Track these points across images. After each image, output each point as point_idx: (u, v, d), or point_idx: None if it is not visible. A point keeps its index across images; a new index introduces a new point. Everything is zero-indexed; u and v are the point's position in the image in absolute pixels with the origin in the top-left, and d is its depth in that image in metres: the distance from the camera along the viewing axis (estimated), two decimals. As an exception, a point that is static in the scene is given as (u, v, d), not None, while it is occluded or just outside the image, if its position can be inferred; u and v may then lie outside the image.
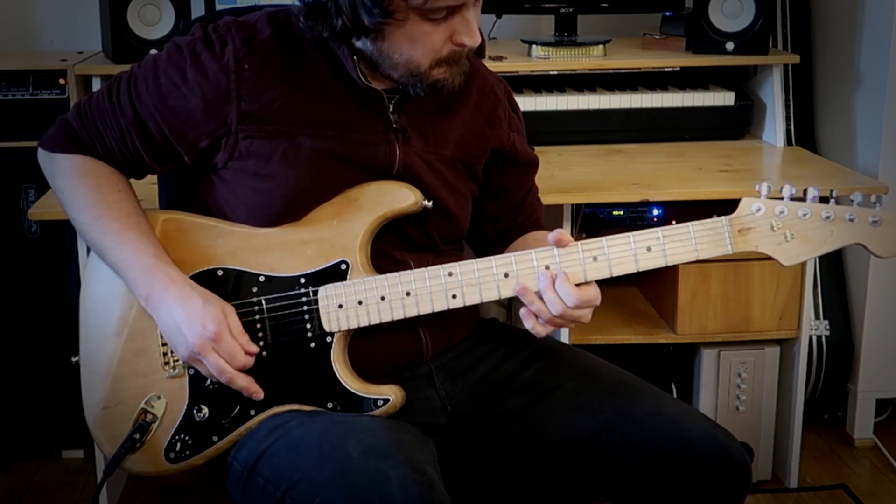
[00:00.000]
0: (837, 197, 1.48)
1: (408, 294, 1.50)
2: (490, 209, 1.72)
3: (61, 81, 2.51)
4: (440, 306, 1.50)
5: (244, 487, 1.49)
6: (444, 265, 1.51)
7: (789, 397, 2.50)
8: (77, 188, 1.57)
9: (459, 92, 1.63)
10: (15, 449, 2.69)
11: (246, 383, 1.50)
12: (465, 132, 1.64)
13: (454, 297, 1.50)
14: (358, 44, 1.52)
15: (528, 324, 1.50)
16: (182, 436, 1.54)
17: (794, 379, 2.48)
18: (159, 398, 1.55)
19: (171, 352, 1.54)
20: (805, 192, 1.48)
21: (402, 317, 1.51)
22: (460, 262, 1.51)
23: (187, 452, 1.54)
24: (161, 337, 1.54)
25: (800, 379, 2.47)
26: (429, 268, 1.51)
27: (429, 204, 1.56)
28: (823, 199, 1.49)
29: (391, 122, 1.57)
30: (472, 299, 1.50)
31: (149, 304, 1.52)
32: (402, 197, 1.54)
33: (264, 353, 1.53)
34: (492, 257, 1.50)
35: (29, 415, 2.63)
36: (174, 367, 1.55)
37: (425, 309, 1.50)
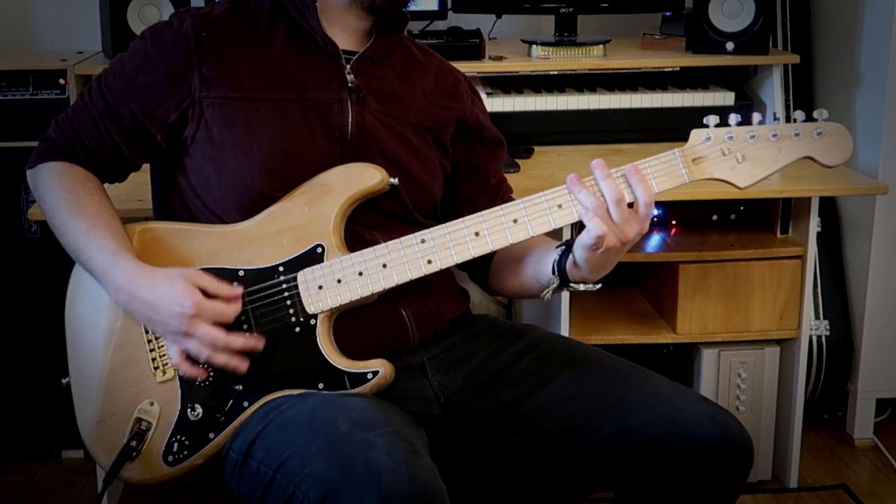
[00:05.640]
0: (780, 119, 1.52)
1: (384, 266, 1.53)
2: (463, 191, 1.75)
3: (61, 81, 2.52)
4: (416, 273, 1.53)
5: (239, 474, 1.50)
6: (416, 234, 1.53)
7: (789, 397, 2.50)
8: (52, 191, 1.61)
9: (419, 66, 1.71)
10: (15, 449, 2.69)
11: (242, 342, 1.51)
12: (426, 102, 1.69)
13: (429, 262, 1.53)
14: None
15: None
16: (179, 437, 1.55)
17: (794, 379, 2.48)
18: (152, 404, 1.56)
19: (160, 356, 1.56)
20: (751, 117, 1.52)
21: (381, 289, 1.53)
22: (431, 229, 1.53)
23: (185, 453, 1.55)
24: (148, 343, 1.56)
25: (800, 379, 2.47)
26: (401, 238, 1.53)
27: (395, 181, 1.59)
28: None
29: (346, 82, 1.61)
30: (446, 262, 1.53)
31: (121, 304, 1.56)
32: (368, 176, 1.57)
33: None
34: (462, 219, 1.53)
35: (29, 415, 2.63)
36: (164, 372, 1.56)
37: (403, 278, 1.53)
